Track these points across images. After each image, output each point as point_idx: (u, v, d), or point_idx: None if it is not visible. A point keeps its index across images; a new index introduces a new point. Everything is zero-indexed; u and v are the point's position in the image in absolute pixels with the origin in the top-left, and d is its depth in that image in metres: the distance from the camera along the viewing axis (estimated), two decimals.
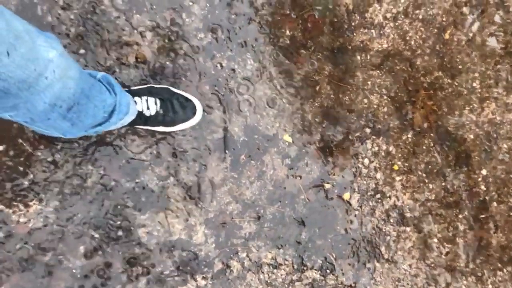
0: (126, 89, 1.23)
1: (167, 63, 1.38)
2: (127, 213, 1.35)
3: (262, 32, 1.46)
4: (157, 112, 1.23)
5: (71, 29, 1.30)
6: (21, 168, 1.28)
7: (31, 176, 1.28)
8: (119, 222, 1.34)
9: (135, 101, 1.19)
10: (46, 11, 1.28)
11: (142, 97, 1.21)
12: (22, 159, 1.28)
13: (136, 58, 1.35)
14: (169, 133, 1.35)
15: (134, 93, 1.22)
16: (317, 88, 1.52)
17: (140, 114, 1.20)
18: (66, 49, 1.29)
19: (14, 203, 1.27)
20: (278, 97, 1.48)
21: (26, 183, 1.28)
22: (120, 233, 1.34)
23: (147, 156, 1.36)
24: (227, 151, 1.42)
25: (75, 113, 0.81)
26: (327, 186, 1.51)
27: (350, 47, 1.54)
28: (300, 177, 1.49)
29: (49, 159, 1.30)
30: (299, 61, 1.50)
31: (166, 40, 1.38)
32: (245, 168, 1.44)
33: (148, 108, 1.21)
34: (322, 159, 1.52)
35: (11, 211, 1.27)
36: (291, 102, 1.49)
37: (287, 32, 1.49)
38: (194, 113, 1.30)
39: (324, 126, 1.52)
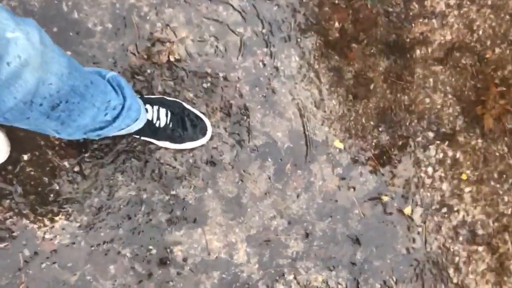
0: (138, 95, 1.16)
1: (203, 61, 1.24)
2: (161, 229, 1.22)
3: (308, 25, 1.31)
4: (166, 124, 1.16)
5: (98, 26, 1.19)
6: (46, 179, 1.17)
7: (57, 187, 1.18)
8: (151, 239, 1.21)
9: (146, 109, 1.12)
10: (72, 7, 1.17)
11: (154, 106, 1.15)
12: (47, 169, 1.17)
13: (169, 55, 1.22)
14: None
15: (145, 101, 1.15)
16: (371, 86, 1.35)
17: (149, 123, 1.13)
18: (94, 44, 1.18)
19: (39, 218, 1.17)
20: (327, 97, 1.32)
21: (51, 195, 1.17)
22: (153, 251, 1.21)
23: (182, 165, 1.23)
24: (270, 159, 1.27)
25: (63, 111, 0.74)
26: (385, 199, 1.35)
27: (408, 40, 1.37)
28: (354, 188, 1.33)
29: (76, 169, 1.18)
30: (350, 56, 1.33)
31: (202, 36, 1.24)
32: (291, 179, 1.29)
33: (158, 119, 1.15)
34: (379, 168, 1.34)
35: (36, 226, 1.17)
36: (342, 103, 1.33)
37: (336, 24, 1.32)
38: (204, 134, 1.22)
39: (380, 130, 1.35)
